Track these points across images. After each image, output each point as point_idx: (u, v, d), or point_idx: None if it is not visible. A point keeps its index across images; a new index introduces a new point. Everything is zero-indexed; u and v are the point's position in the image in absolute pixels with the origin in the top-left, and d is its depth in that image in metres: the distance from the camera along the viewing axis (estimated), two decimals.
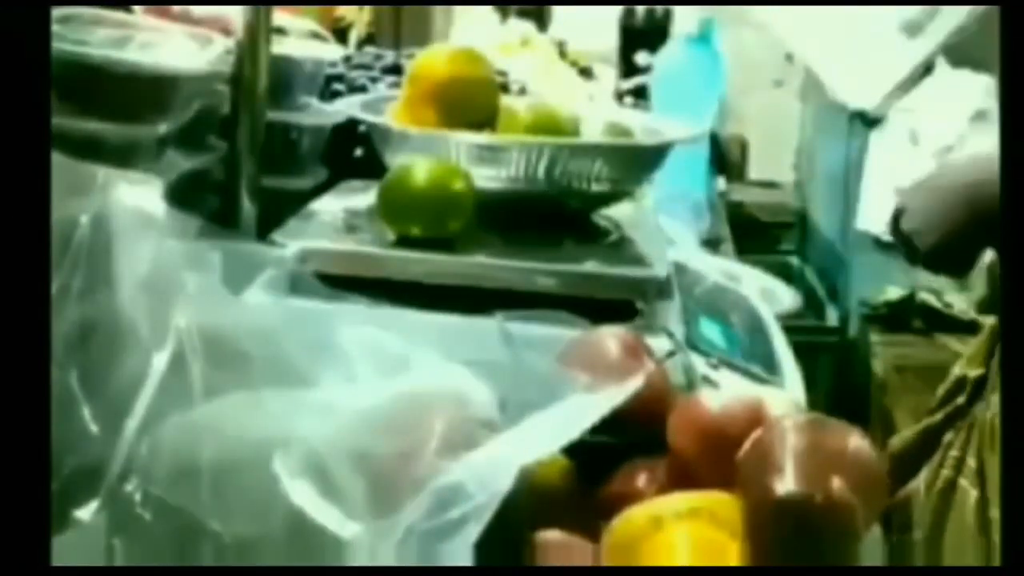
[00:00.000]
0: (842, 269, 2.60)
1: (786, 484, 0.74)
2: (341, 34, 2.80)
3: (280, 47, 1.42)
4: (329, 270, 1.13)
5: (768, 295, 1.61)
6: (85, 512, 0.74)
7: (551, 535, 0.80)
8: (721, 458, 0.79)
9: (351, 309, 1.06)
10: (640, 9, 2.58)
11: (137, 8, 1.37)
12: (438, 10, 3.16)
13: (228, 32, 1.32)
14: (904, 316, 2.28)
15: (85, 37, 1.20)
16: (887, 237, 2.25)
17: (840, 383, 2.39)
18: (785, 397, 1.15)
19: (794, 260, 2.97)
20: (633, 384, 0.83)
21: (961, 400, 1.44)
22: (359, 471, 0.73)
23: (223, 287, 0.84)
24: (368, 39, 2.94)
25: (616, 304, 1.13)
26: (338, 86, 1.67)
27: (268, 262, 1.09)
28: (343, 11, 2.98)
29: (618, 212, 1.34)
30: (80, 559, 0.74)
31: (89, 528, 0.74)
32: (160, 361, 0.78)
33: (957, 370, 1.47)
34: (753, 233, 2.88)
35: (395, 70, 1.75)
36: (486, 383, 0.80)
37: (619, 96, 2.50)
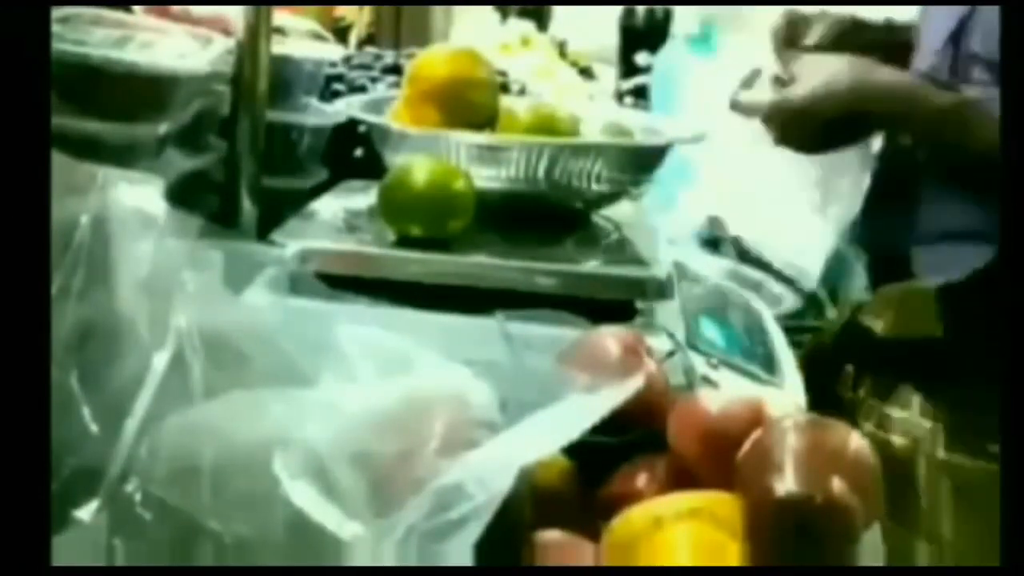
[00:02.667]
0: (842, 269, 2.60)
1: (786, 484, 0.74)
2: (341, 34, 2.81)
3: (280, 47, 1.42)
4: (329, 270, 1.13)
5: (768, 295, 1.61)
6: (85, 512, 0.74)
7: (551, 535, 0.80)
8: (721, 458, 0.79)
9: (351, 309, 1.06)
10: (640, 9, 2.58)
11: (137, 8, 1.37)
12: (438, 10, 3.16)
13: (228, 32, 1.32)
14: None
15: (85, 37, 1.20)
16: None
17: None
18: (785, 397, 1.15)
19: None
20: (633, 384, 0.83)
21: None
22: (359, 471, 0.73)
23: (223, 287, 0.84)
24: (368, 39, 2.94)
25: (616, 304, 1.13)
26: (338, 86, 1.67)
27: (268, 262, 1.09)
28: (343, 11, 2.98)
29: (618, 212, 1.34)
30: (80, 559, 0.74)
31: (89, 528, 0.74)
32: (160, 361, 0.78)
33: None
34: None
35: (395, 70, 1.75)
36: (486, 383, 0.80)
37: (619, 96, 2.50)
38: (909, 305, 1.39)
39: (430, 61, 1.34)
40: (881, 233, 1.49)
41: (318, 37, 1.81)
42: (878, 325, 1.43)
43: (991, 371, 0.98)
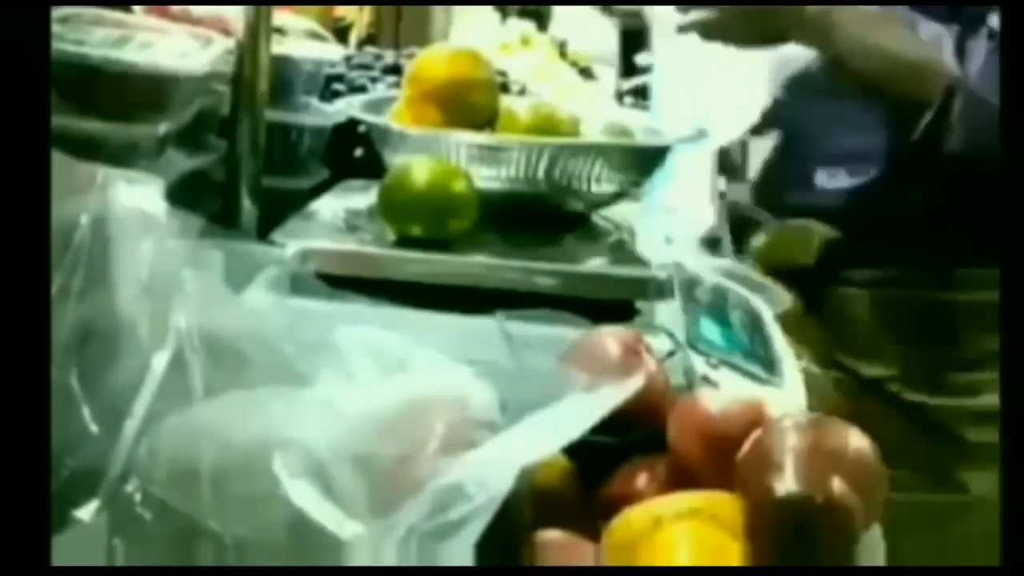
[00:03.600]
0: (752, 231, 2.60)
1: (786, 484, 0.73)
2: (341, 34, 2.81)
3: (280, 47, 1.42)
4: (329, 270, 1.13)
5: (768, 295, 1.61)
6: (85, 512, 0.74)
7: (551, 535, 0.80)
8: (721, 458, 0.79)
9: (351, 309, 1.06)
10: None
11: (137, 8, 1.37)
12: (438, 10, 3.16)
13: (228, 32, 1.32)
14: None
15: (85, 37, 1.20)
16: None
17: None
18: (785, 397, 1.15)
19: None
20: (633, 384, 0.83)
21: None
22: (359, 472, 0.73)
23: (223, 287, 0.84)
24: (368, 39, 2.94)
25: (616, 304, 1.13)
26: (338, 86, 1.67)
27: (268, 262, 1.09)
28: (343, 11, 2.98)
29: (618, 212, 1.34)
30: (80, 559, 0.74)
31: (89, 528, 0.74)
32: (160, 361, 0.78)
33: None
34: (753, 233, 2.87)
35: (395, 70, 1.75)
36: (486, 383, 0.80)
37: (619, 96, 2.50)
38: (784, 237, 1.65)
39: (430, 61, 1.34)
40: (781, 187, 1.69)
41: (317, 37, 1.81)
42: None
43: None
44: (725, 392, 1.04)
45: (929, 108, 1.45)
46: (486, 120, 1.30)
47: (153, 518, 0.74)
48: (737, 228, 1.98)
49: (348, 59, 1.83)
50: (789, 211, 1.68)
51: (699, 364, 1.09)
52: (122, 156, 1.15)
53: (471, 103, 1.30)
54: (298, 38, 1.69)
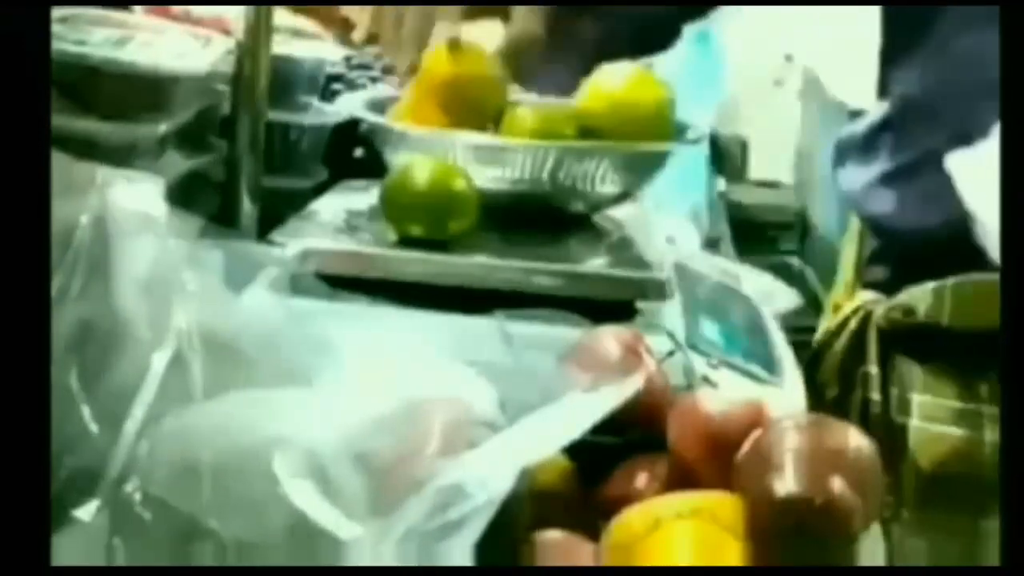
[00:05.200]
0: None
1: (786, 485, 0.74)
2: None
3: (280, 47, 1.42)
4: (329, 270, 1.13)
5: (768, 295, 1.61)
6: (85, 512, 0.74)
7: (551, 535, 0.80)
8: (721, 459, 0.79)
9: (351, 309, 1.06)
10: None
11: (137, 8, 1.37)
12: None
13: (228, 32, 1.32)
14: None
15: (85, 37, 1.20)
16: None
17: None
18: (785, 397, 1.15)
19: (794, 260, 2.96)
20: (633, 384, 0.83)
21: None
22: (359, 472, 0.73)
23: (223, 287, 0.85)
24: (368, 39, 2.93)
25: (616, 304, 1.13)
26: (338, 86, 1.67)
27: (268, 262, 1.09)
28: (343, 11, 2.97)
29: (618, 212, 1.34)
30: (80, 559, 0.74)
31: (89, 528, 0.74)
32: (160, 361, 0.78)
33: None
34: (753, 233, 2.88)
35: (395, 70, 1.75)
36: (486, 383, 0.80)
37: None
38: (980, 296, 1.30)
39: (435, 59, 1.34)
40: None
41: (302, 35, 1.80)
42: (944, 318, 1.34)
43: None
44: (725, 392, 1.04)
45: None
46: (493, 117, 1.30)
47: (153, 518, 0.74)
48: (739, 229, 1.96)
49: (348, 59, 1.83)
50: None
51: (699, 364, 1.09)
52: (122, 156, 1.15)
53: (477, 101, 1.30)
54: (289, 36, 1.68)
